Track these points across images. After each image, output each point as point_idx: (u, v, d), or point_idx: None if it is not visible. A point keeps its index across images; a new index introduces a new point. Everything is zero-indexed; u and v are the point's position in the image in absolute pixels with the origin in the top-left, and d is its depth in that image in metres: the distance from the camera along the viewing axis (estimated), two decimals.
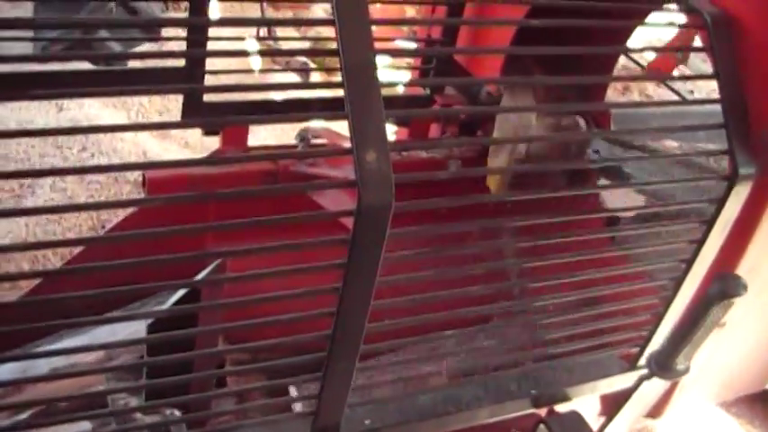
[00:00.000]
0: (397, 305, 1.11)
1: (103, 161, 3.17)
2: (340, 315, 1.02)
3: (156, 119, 3.85)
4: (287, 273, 1.02)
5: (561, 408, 1.59)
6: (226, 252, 1.11)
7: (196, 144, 3.72)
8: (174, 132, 3.84)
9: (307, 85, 1.86)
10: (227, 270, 1.56)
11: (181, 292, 1.58)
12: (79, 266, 1.02)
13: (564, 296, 1.38)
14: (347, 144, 1.68)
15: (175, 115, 3.90)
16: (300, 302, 1.08)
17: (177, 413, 1.65)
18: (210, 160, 1.75)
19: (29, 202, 2.91)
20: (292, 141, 2.20)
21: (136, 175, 3.14)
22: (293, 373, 1.30)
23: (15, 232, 2.72)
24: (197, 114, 1.93)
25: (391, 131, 2.59)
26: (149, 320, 1.60)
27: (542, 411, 1.56)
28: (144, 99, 4.07)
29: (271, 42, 4.15)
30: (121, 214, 2.23)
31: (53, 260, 2.71)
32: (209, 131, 2.06)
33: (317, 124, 2.17)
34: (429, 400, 1.36)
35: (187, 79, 1.91)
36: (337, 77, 0.95)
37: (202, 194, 1.71)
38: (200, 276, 1.56)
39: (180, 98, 1.97)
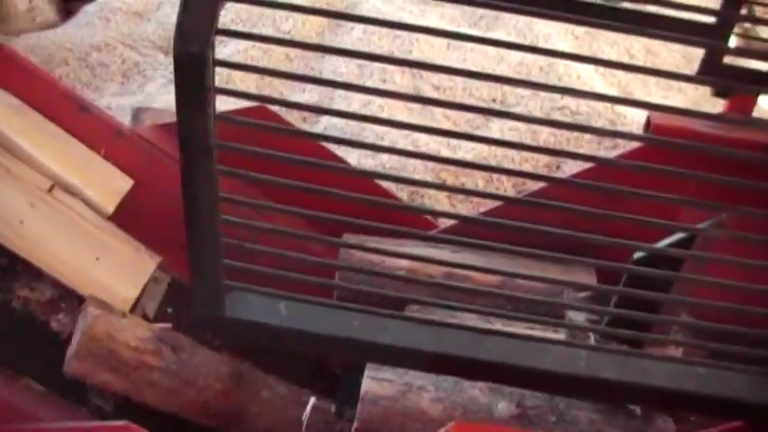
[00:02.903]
0: None
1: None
2: None
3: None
4: None
5: None
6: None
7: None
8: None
9: None
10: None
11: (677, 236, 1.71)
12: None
13: None
14: None
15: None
16: None
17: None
18: (723, 117, 1.85)
19: (494, 126, 3.23)
20: None
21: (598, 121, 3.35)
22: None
23: (478, 149, 3.04)
24: (713, 73, 2.04)
25: None
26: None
27: None
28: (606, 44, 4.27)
29: None
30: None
31: (506, 184, 3.00)
32: (719, 93, 2.16)
33: None
34: None
35: (711, 36, 2.03)
36: None
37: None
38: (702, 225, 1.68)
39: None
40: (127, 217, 2.04)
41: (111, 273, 1.87)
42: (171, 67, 3.74)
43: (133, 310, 1.89)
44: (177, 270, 2.07)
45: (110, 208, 1.94)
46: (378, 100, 3.24)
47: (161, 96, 3.47)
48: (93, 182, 1.94)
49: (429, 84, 3.35)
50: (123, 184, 2.00)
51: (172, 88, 3.56)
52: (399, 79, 3.37)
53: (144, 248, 1.96)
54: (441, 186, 2.40)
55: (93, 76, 3.85)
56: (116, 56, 3.90)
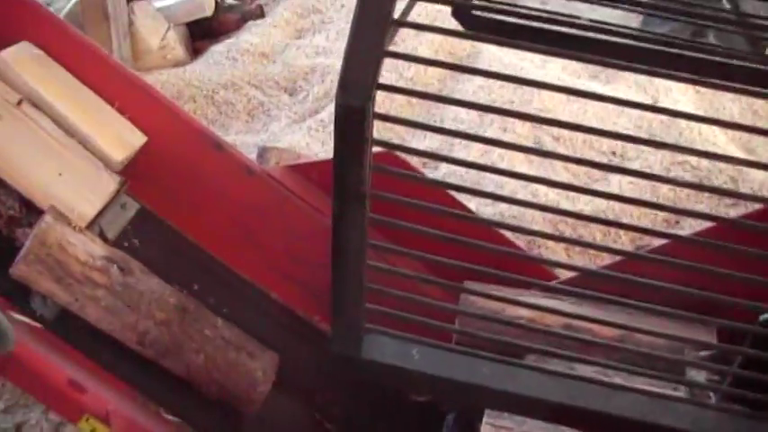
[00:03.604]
0: None
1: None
2: None
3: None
4: None
5: None
6: None
7: None
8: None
9: None
10: None
11: None
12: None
13: None
14: None
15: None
16: None
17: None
18: None
19: (614, 179, 3.24)
20: None
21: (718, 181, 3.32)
22: None
23: (597, 202, 3.05)
24: None
25: None
26: None
27: None
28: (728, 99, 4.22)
29: None
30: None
31: (624, 238, 3.00)
32: None
33: None
34: None
35: None
36: None
37: None
38: None
39: None
40: (251, 251, 2.13)
41: (72, 189, 1.89)
42: (295, 108, 3.89)
43: (89, 228, 1.92)
44: (303, 309, 2.14)
45: (117, 158, 1.98)
46: (497, 148, 3.28)
47: (285, 136, 3.60)
48: (104, 131, 1.99)
49: (549, 134, 3.39)
50: (135, 138, 2.05)
51: (296, 128, 3.70)
52: (520, 128, 3.41)
53: (105, 168, 1.96)
54: (558, 238, 2.43)
55: (219, 113, 4.02)
56: (242, 95, 4.06)
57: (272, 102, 4.00)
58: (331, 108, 3.70)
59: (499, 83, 3.67)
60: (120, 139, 2.02)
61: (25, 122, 1.90)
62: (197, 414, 1.98)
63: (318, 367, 2.13)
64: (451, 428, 2.13)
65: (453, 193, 2.26)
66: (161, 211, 2.13)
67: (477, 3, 1.85)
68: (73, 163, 1.92)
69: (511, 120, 3.46)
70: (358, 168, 1.03)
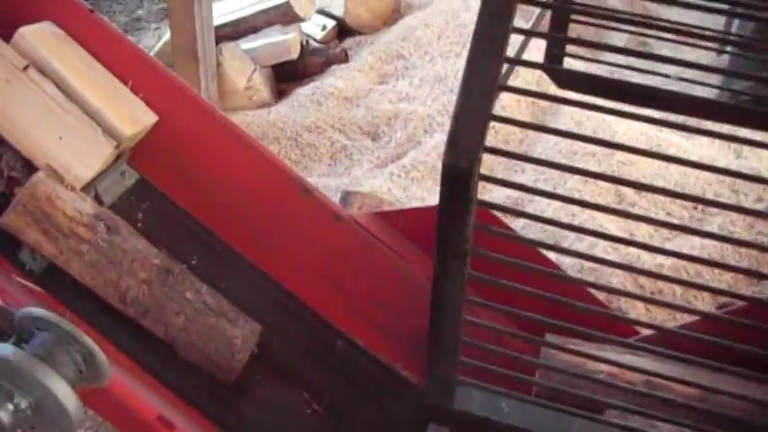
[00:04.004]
0: None
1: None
2: None
3: None
4: None
5: None
6: None
7: None
8: None
9: None
10: None
11: None
12: None
13: None
14: None
15: None
16: None
17: None
18: None
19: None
20: None
21: None
22: None
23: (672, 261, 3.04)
24: None
25: None
26: None
27: None
28: None
29: None
30: None
31: (705, 294, 2.97)
32: None
33: None
34: None
35: None
36: None
37: None
38: None
39: None
40: (334, 294, 2.18)
41: (70, 152, 1.96)
42: (377, 153, 3.96)
43: (85, 190, 1.98)
44: (385, 355, 2.17)
45: (126, 132, 2.04)
46: (577, 197, 3.29)
47: (367, 180, 3.66)
48: (115, 106, 2.06)
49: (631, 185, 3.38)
50: (146, 116, 2.12)
51: (377, 173, 3.75)
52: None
53: (103, 133, 2.02)
54: (638, 297, 2.43)
55: (303, 155, 4.10)
56: (325, 138, 4.14)
57: (354, 146, 4.07)
58: (413, 154, 3.75)
59: (582, 131, 3.69)
60: (132, 115, 2.11)
61: (30, 87, 2.00)
62: (188, 390, 2.00)
63: (309, 350, 2.16)
64: None
65: None
66: (247, 252, 2.19)
67: (566, 68, 1.89)
68: (73, 127, 2.00)
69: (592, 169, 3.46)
70: (462, 227, 1.07)
